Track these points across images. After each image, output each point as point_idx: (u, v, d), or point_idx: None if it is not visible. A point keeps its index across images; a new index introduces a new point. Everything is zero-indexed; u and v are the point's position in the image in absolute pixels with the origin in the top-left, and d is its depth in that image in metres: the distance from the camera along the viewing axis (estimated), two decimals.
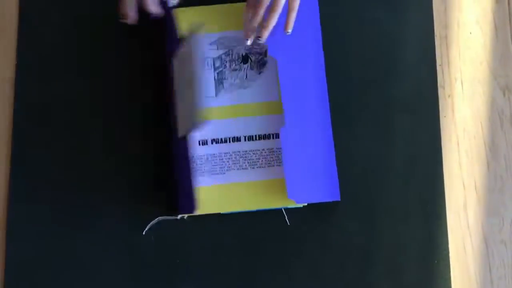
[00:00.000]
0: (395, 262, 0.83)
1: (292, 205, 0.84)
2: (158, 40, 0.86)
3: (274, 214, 0.85)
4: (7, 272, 0.83)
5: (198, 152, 0.85)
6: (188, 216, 0.84)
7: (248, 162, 0.84)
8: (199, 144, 0.85)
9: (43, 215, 0.85)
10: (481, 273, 0.84)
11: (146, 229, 0.84)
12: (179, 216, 0.84)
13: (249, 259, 0.84)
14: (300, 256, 0.84)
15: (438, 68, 0.89)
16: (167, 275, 0.83)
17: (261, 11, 0.81)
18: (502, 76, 0.89)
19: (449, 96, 0.89)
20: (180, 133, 0.79)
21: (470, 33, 0.91)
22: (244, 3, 0.87)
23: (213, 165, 0.84)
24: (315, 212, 0.84)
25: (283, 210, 0.84)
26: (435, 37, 0.90)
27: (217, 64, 0.87)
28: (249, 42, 0.84)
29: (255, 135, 0.85)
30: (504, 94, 0.89)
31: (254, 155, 0.84)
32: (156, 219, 0.84)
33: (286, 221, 0.84)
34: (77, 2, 0.91)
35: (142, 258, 0.84)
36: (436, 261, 0.83)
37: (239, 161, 0.84)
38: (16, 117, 0.87)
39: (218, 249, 0.84)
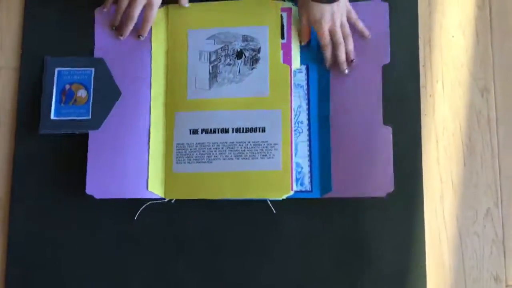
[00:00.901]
0: (374, 250, 0.87)
1: (272, 197, 0.87)
2: None
3: (261, 201, 0.88)
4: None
5: (188, 140, 0.88)
6: (176, 200, 0.88)
7: (234, 153, 0.87)
8: (190, 132, 0.89)
9: (40, 203, 0.89)
10: (454, 263, 0.87)
11: (137, 214, 0.87)
12: (166, 199, 0.87)
13: (235, 241, 0.88)
14: (283, 242, 0.87)
15: (421, 69, 0.93)
16: (159, 256, 0.87)
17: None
18: (481, 78, 0.93)
19: (430, 96, 0.92)
20: None
21: (453, 36, 0.94)
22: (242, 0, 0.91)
23: (201, 154, 0.88)
24: (299, 202, 0.88)
25: (268, 200, 0.88)
26: (419, 40, 0.93)
27: (213, 58, 0.91)
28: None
29: (243, 128, 0.88)
30: (482, 95, 0.92)
31: (240, 147, 0.87)
32: (145, 204, 0.87)
33: (272, 209, 0.88)
34: None
35: (136, 240, 0.87)
36: (412, 251, 0.86)
37: (225, 151, 0.87)
38: None
39: (206, 232, 0.88)
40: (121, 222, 0.88)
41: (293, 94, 0.90)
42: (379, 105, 0.88)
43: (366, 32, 0.90)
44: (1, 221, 0.89)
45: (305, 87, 0.91)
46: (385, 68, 0.90)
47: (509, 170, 0.90)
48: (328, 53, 0.90)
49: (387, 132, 0.87)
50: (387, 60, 0.89)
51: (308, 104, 0.90)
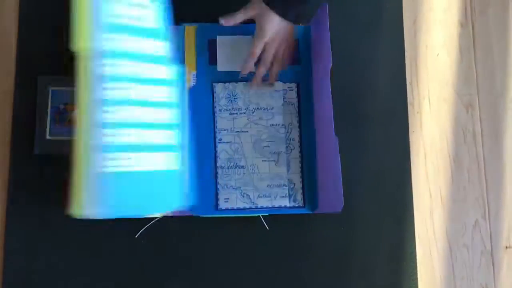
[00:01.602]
0: (367, 264, 0.88)
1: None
2: None
3: (254, 217, 0.89)
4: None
5: None
6: (168, 218, 0.87)
7: None
8: None
9: (37, 220, 0.88)
10: (445, 275, 0.89)
11: (139, 232, 0.87)
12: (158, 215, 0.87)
13: (229, 257, 0.88)
14: (279, 258, 0.88)
15: (408, 86, 0.95)
16: (156, 274, 0.87)
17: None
18: (466, 94, 0.96)
19: (417, 112, 0.95)
20: None
21: (437, 55, 0.97)
22: None
23: None
24: (292, 217, 0.89)
25: (261, 217, 0.89)
26: (406, 58, 0.96)
27: None
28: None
29: None
30: (467, 111, 0.95)
31: None
32: (152, 220, 0.87)
33: (265, 226, 0.89)
34: None
35: (134, 259, 0.87)
36: (404, 263, 0.88)
37: None
38: None
39: (203, 250, 0.88)
40: (118, 241, 0.88)
41: (286, 111, 0.91)
42: (330, 114, 0.84)
43: (285, 67, 0.92)
44: None
45: (296, 104, 0.92)
46: (374, 86, 0.93)
47: (495, 183, 0.93)
48: (250, 65, 0.89)
49: (335, 142, 0.82)
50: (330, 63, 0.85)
51: (300, 121, 0.92)
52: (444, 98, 0.96)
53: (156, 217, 0.87)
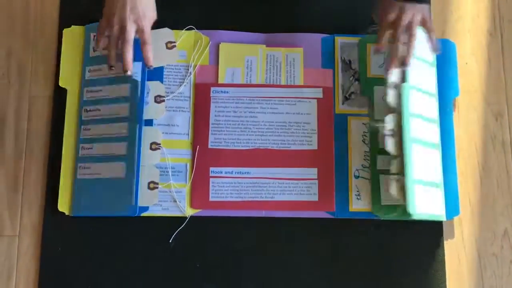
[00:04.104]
0: (396, 272, 0.88)
1: None
2: None
3: (288, 222, 0.90)
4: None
5: None
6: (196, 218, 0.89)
7: None
8: None
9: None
10: (474, 283, 0.89)
11: (173, 236, 0.89)
12: (188, 215, 0.89)
13: (261, 262, 0.89)
14: (309, 264, 0.89)
15: None
16: (188, 278, 0.88)
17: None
18: (495, 103, 0.96)
19: None
20: None
21: (466, 63, 0.98)
22: None
23: None
24: (325, 224, 0.90)
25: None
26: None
27: None
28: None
29: None
30: (496, 120, 0.95)
31: None
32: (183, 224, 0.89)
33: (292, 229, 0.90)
34: None
35: (166, 263, 0.88)
36: (433, 272, 0.88)
37: None
38: None
39: (231, 253, 0.89)
40: (151, 242, 0.90)
41: None
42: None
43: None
44: (36, 233, 0.90)
45: None
46: None
47: None
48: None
49: None
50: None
51: None
52: (473, 106, 0.96)
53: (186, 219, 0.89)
